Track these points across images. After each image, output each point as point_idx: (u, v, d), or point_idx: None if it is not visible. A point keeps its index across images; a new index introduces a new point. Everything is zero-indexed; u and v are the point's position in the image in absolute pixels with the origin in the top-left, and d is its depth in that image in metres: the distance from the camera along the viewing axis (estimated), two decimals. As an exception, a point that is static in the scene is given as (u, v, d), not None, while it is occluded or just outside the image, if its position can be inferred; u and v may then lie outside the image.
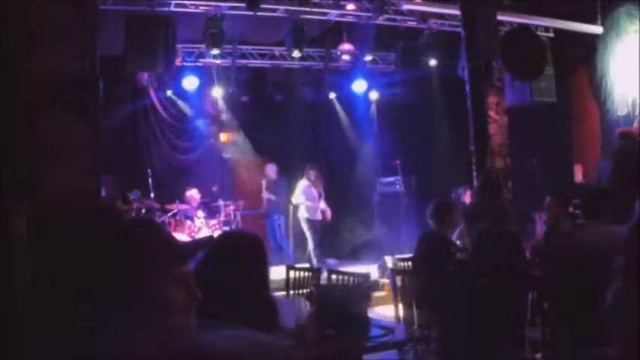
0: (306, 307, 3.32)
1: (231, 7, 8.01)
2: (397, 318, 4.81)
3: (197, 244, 1.47)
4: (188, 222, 9.19)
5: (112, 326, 1.26)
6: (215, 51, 8.55)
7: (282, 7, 8.33)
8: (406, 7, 8.60)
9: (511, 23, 8.55)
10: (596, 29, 8.98)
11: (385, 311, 5.57)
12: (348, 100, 11.43)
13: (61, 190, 3.04)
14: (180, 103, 10.45)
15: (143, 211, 8.65)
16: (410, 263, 5.48)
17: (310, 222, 9.53)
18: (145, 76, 9.80)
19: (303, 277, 5.28)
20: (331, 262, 9.56)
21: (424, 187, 10.37)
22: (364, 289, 4.41)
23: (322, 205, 9.56)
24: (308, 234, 9.51)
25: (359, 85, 10.99)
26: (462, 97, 7.37)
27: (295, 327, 2.70)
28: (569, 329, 3.85)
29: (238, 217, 9.87)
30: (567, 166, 9.51)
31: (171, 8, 7.89)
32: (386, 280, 7.41)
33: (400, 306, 4.83)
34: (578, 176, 9.30)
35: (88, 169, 3.21)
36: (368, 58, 9.78)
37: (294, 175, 9.84)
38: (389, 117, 11.32)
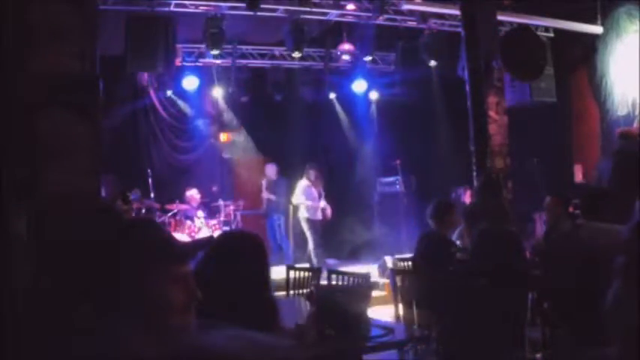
0: (306, 307, 3.32)
1: (231, 7, 8.01)
2: (397, 318, 4.81)
3: (197, 244, 1.47)
4: (188, 222, 9.19)
5: (112, 326, 1.26)
6: (215, 51, 8.55)
7: (282, 7, 8.33)
8: (406, 7, 8.60)
9: (511, 23, 8.55)
10: (596, 29, 8.98)
11: (385, 311, 5.57)
12: (348, 100, 11.43)
13: (61, 190, 3.04)
14: (181, 103, 10.45)
15: (143, 211, 8.65)
16: (410, 263, 5.48)
17: (310, 222, 9.54)
18: (145, 76, 9.80)
19: (303, 277, 5.28)
20: (331, 262, 9.56)
21: (424, 187, 10.37)
22: (364, 289, 4.41)
23: (323, 203, 9.57)
24: (308, 234, 9.52)
25: (359, 85, 10.99)
26: (462, 97, 7.37)
27: (295, 327, 2.70)
28: (569, 329, 3.85)
29: (238, 217, 9.87)
30: (567, 166, 9.51)
31: (171, 8, 7.89)
32: (386, 280, 7.41)
33: (400, 306, 4.83)
34: (578, 176, 9.30)
35: (88, 169, 3.21)
36: (368, 58, 9.78)
37: (294, 175, 9.84)
38: (389, 117, 11.32)
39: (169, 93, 10.24)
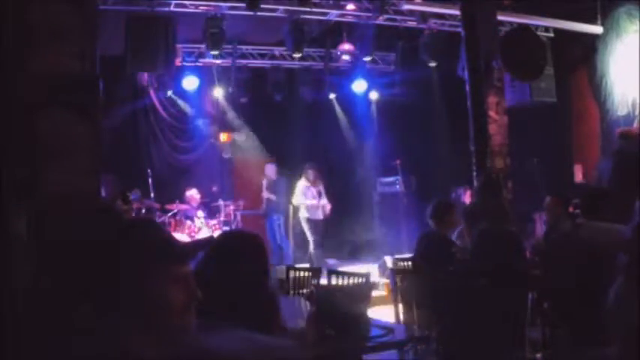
0: (306, 307, 3.32)
1: (231, 7, 8.01)
2: (397, 318, 4.81)
3: (197, 244, 1.47)
4: (188, 222, 9.19)
5: (112, 326, 1.26)
6: (215, 51, 8.55)
7: (282, 7, 8.33)
8: (406, 7, 8.60)
9: (511, 23, 8.54)
10: (596, 29, 8.97)
11: (385, 311, 5.56)
12: (348, 100, 11.44)
13: (61, 190, 3.04)
14: (181, 103, 10.45)
15: (143, 211, 8.65)
16: (410, 263, 5.48)
17: (311, 222, 9.55)
18: (145, 76, 9.80)
19: (303, 277, 5.28)
20: (331, 262, 9.56)
21: (424, 187, 10.37)
22: (364, 289, 4.42)
23: (324, 201, 9.59)
24: (308, 234, 9.53)
25: (359, 85, 10.99)
26: (462, 97, 7.36)
27: (296, 328, 2.70)
28: (569, 329, 3.86)
29: (238, 217, 9.88)
30: (567, 166, 9.51)
31: (171, 8, 7.88)
32: (386, 280, 7.41)
33: (400, 306, 4.83)
34: (578, 176, 9.30)
35: (88, 169, 3.21)
36: (368, 58, 9.78)
37: (295, 175, 9.85)
38: (389, 117, 11.32)
39: (169, 93, 10.24)
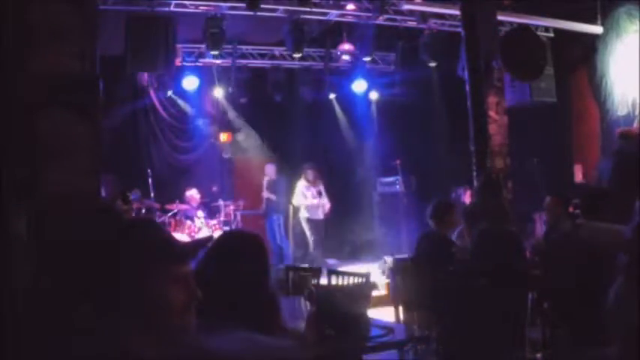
0: (306, 307, 3.32)
1: (231, 7, 8.01)
2: (397, 318, 4.81)
3: (197, 244, 1.47)
4: (188, 222, 9.19)
5: (112, 326, 1.26)
6: (215, 51, 8.55)
7: (282, 7, 8.33)
8: (406, 7, 8.60)
9: (511, 23, 8.54)
10: (596, 29, 8.97)
11: (385, 311, 5.56)
12: (348, 100, 11.44)
13: (61, 190, 3.04)
14: (181, 103, 10.45)
15: (143, 211, 8.65)
16: (410, 263, 5.48)
17: (311, 222, 9.56)
18: (145, 76, 9.80)
19: (303, 277, 5.27)
20: (331, 262, 9.57)
21: (424, 187, 10.37)
22: (364, 289, 4.42)
23: (324, 201, 9.60)
24: (308, 234, 9.54)
25: (359, 85, 10.99)
26: (462, 97, 7.36)
27: (296, 329, 2.70)
28: (569, 329, 3.86)
29: (238, 217, 9.88)
30: (567, 166, 9.51)
31: (171, 8, 7.88)
32: (386, 280, 7.41)
33: (400, 306, 4.83)
34: (578, 176, 9.30)
35: (88, 169, 3.21)
36: (368, 58, 9.78)
37: (295, 175, 9.86)
38: (389, 117, 11.32)
39: (169, 93, 10.23)
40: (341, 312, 2.81)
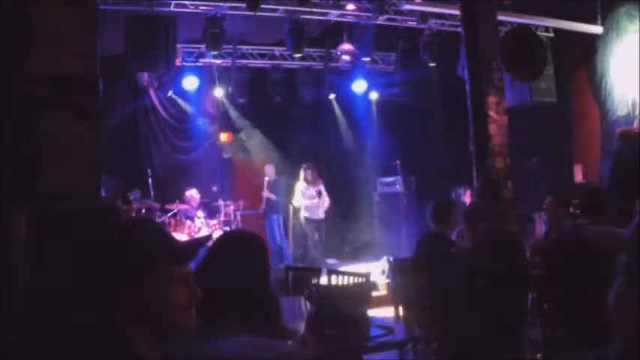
0: (306, 307, 3.32)
1: (231, 7, 8.01)
2: (397, 318, 4.81)
3: (197, 243, 1.46)
4: (188, 222, 9.19)
5: (113, 326, 1.26)
6: (215, 51, 8.55)
7: (282, 7, 8.33)
8: (406, 7, 8.60)
9: (511, 23, 8.54)
10: (596, 29, 8.97)
11: (385, 311, 5.56)
12: (348, 101, 11.43)
13: (61, 190, 3.04)
14: (181, 103, 10.45)
15: (143, 211, 8.65)
16: (410, 263, 5.47)
17: (311, 221, 9.55)
18: (145, 76, 9.80)
19: (303, 277, 5.27)
20: (331, 262, 9.57)
21: (424, 187, 10.37)
22: (364, 289, 4.41)
23: (324, 200, 9.60)
24: (309, 234, 9.54)
25: (359, 86, 10.99)
26: (462, 97, 7.37)
27: (297, 329, 2.71)
28: (569, 329, 3.86)
29: (238, 217, 9.88)
30: (567, 166, 9.51)
31: (171, 8, 7.88)
32: (386, 280, 7.41)
33: (400, 306, 4.83)
34: (578, 176, 9.30)
35: (88, 169, 3.21)
36: (368, 58, 9.78)
37: (295, 175, 9.86)
38: (389, 117, 11.32)
39: (169, 93, 10.23)
40: (341, 312, 2.81)
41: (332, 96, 11.36)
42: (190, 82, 9.84)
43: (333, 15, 8.69)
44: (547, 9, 8.88)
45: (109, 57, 7.02)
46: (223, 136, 11.03)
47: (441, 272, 4.31)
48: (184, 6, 7.97)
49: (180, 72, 9.64)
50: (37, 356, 1.49)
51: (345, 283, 4.81)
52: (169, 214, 9.21)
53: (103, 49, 4.70)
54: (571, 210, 5.69)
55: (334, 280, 4.99)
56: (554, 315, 4.09)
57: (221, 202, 9.75)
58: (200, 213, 9.38)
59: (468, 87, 7.24)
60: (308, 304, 3.12)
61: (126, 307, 1.27)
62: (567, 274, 3.84)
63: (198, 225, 9.20)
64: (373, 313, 4.02)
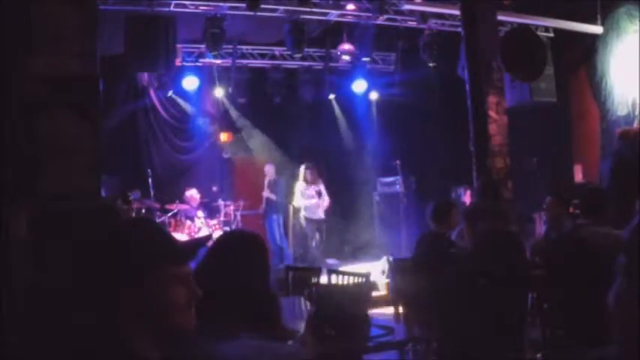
0: (306, 307, 3.32)
1: (231, 7, 8.01)
2: (397, 318, 4.81)
3: (197, 243, 1.47)
4: (188, 222, 9.19)
5: (113, 326, 1.26)
6: (215, 51, 8.55)
7: (282, 7, 8.33)
8: (406, 7, 8.60)
9: (511, 23, 8.54)
10: (596, 29, 8.97)
11: (385, 311, 5.57)
12: (348, 101, 11.44)
13: (61, 190, 3.04)
14: (181, 103, 10.45)
15: (143, 211, 8.65)
16: (410, 263, 5.48)
17: (311, 221, 9.55)
18: (145, 76, 9.80)
19: (303, 277, 5.28)
20: (331, 262, 9.57)
21: (424, 187, 10.37)
22: (364, 289, 4.42)
23: (324, 199, 9.60)
24: (309, 234, 9.54)
25: (359, 86, 10.99)
26: (462, 97, 7.37)
27: (297, 329, 2.71)
28: (569, 329, 3.86)
29: (238, 217, 9.88)
30: (567, 166, 9.51)
31: (171, 8, 7.88)
32: (386, 280, 7.41)
33: (400, 306, 4.83)
34: (578, 176, 9.30)
35: (88, 169, 3.21)
36: (368, 58, 9.78)
37: (295, 175, 9.86)
38: (389, 117, 11.32)
39: (170, 93, 10.23)
40: (341, 312, 2.81)
41: (332, 96, 11.36)
42: (190, 82, 9.84)
43: (333, 15, 8.69)
44: (547, 9, 8.88)
45: (109, 57, 7.02)
46: (223, 136, 11.03)
47: (441, 272, 4.31)
48: (184, 6, 7.97)
49: (180, 72, 9.64)
50: (37, 356, 1.49)
51: (345, 283, 4.82)
52: (169, 214, 9.21)
53: (103, 49, 4.70)
54: (571, 210, 5.68)
55: (334, 280, 4.99)
56: (554, 315, 4.09)
57: (221, 202, 9.75)
58: (200, 213, 9.38)
59: (468, 87, 7.24)
60: (308, 304, 3.12)
61: (126, 307, 1.27)
62: (567, 274, 3.84)
63: (198, 225, 9.20)
64: (373, 313, 4.03)
